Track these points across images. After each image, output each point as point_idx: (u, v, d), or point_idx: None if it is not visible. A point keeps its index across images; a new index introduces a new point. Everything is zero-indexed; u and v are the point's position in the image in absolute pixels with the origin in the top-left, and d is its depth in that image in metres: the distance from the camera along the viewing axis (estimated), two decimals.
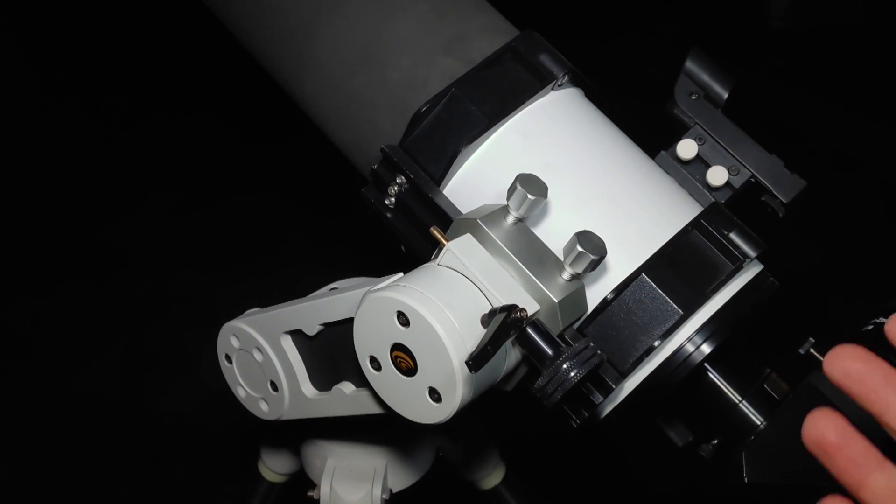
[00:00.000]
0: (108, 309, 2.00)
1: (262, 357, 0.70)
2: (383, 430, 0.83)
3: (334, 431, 0.83)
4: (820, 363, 0.68)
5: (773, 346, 0.71)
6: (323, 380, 0.68)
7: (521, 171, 0.57)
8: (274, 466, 0.98)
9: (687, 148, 0.67)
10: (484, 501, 1.02)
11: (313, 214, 2.11)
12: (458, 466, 0.98)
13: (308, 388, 0.69)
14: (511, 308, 0.51)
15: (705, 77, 0.70)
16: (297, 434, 0.87)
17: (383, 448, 0.83)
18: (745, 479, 0.59)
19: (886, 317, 0.69)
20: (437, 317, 0.51)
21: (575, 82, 0.69)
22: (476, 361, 0.47)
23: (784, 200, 0.68)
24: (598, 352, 0.53)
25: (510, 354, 0.56)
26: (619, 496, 1.55)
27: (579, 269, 0.55)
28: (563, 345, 0.53)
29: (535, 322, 0.54)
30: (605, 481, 1.52)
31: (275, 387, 0.70)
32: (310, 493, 0.83)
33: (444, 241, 0.56)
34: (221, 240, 2.15)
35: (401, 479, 0.85)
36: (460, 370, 0.51)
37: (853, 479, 0.43)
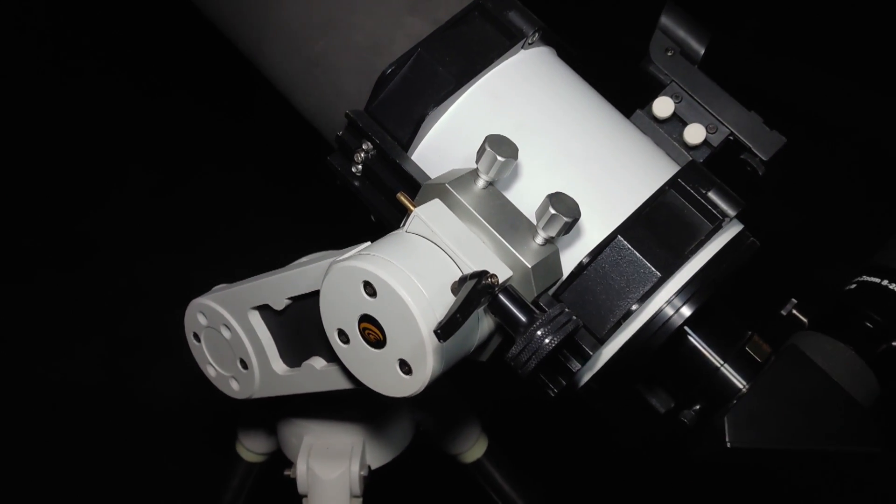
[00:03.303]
0: (85, 295, 1.97)
1: (230, 334, 0.67)
2: (360, 406, 0.81)
3: (310, 409, 0.81)
4: (803, 324, 0.67)
5: (756, 307, 0.69)
6: (293, 356, 0.66)
7: (491, 133, 0.55)
8: (251, 446, 0.97)
9: (663, 106, 0.65)
10: (468, 475, 1.01)
11: (290, 190, 2.08)
12: (440, 441, 0.97)
13: (278, 365, 0.66)
14: (481, 274, 0.49)
15: (681, 32, 0.68)
16: (273, 413, 0.85)
17: (360, 424, 0.81)
18: (728, 444, 0.58)
19: (870, 275, 0.68)
20: (405, 285, 0.49)
21: (546, 41, 0.66)
22: (445, 330, 0.45)
23: (764, 158, 0.66)
24: (574, 317, 0.51)
25: (483, 323, 0.54)
26: (603, 466, 1.54)
27: (553, 233, 0.53)
28: (538, 311, 0.51)
29: (507, 288, 0.52)
30: (589, 451, 1.51)
31: (245, 364, 0.68)
32: (286, 472, 0.81)
33: (411, 208, 0.54)
34: (198, 220, 2.11)
35: (379, 456, 0.83)
36: (430, 340, 0.49)
37: None
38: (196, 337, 0.71)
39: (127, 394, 1.79)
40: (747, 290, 0.69)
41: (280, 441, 0.86)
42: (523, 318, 0.51)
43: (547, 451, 1.50)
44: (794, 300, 0.67)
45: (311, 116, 0.68)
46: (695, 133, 0.64)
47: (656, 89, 0.68)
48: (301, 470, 0.79)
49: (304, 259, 0.74)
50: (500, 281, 0.52)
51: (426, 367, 0.50)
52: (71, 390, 1.80)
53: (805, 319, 0.67)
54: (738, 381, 0.61)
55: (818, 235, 1.95)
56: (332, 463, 0.79)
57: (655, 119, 0.66)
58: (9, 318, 1.93)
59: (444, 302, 0.50)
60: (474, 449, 0.98)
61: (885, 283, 0.66)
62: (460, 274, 0.51)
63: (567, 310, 0.51)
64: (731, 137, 0.66)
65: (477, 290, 0.48)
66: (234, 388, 0.71)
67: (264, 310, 0.65)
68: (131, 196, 2.21)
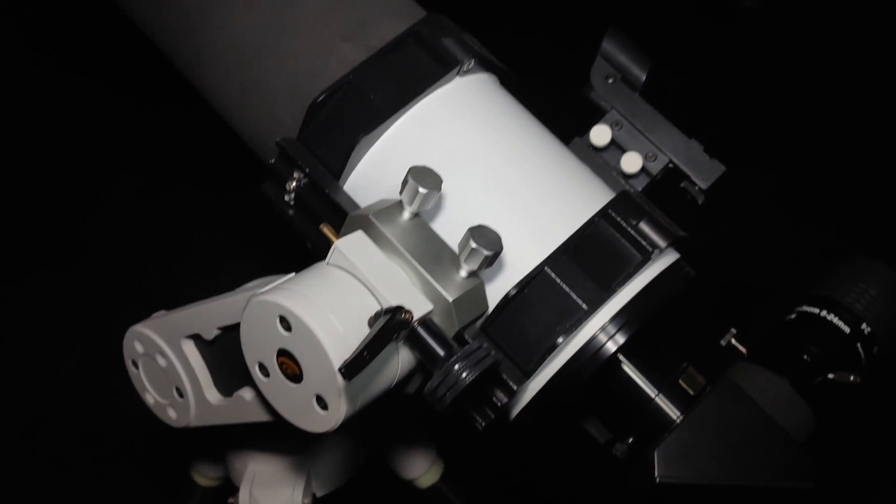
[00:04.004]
0: (70, 299, 1.95)
1: (165, 362, 0.67)
2: (304, 433, 0.80)
3: (255, 436, 0.80)
4: (742, 355, 0.67)
5: (695, 337, 0.68)
6: (227, 386, 0.65)
7: (420, 163, 0.54)
8: (205, 471, 0.96)
9: (600, 134, 0.65)
10: (423, 500, 1.00)
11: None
12: (395, 466, 0.96)
13: (212, 395, 0.66)
14: (395, 310, 0.48)
15: (622, 59, 0.67)
16: (219, 438, 0.84)
17: (305, 452, 0.80)
18: (657, 479, 0.57)
19: (810, 306, 0.68)
20: (318, 319, 0.48)
21: (487, 67, 0.66)
22: (349, 368, 0.45)
23: (703, 187, 0.65)
24: (492, 352, 0.50)
25: (402, 357, 0.53)
26: (561, 491, 1.52)
27: (474, 266, 0.52)
28: (457, 345, 0.50)
29: (426, 322, 0.51)
30: (547, 475, 1.50)
31: (180, 393, 0.67)
32: (230, 500, 0.81)
33: (332, 239, 0.53)
34: (184, 230, 2.09)
35: (326, 483, 0.82)
36: (341, 377, 0.48)
37: None
38: (134, 364, 0.70)
39: (111, 400, 1.77)
40: (687, 319, 0.68)
41: (227, 467, 0.85)
42: (441, 352, 0.50)
43: (505, 476, 1.49)
44: (733, 330, 0.67)
45: (248, 141, 0.68)
46: (631, 161, 0.64)
47: (598, 116, 0.67)
48: (244, 498, 0.78)
49: (249, 284, 0.73)
50: (419, 315, 0.51)
51: (340, 404, 0.49)
52: (55, 395, 1.78)
53: (744, 350, 0.66)
54: (672, 413, 0.60)
55: (762, 261, 1.96)
56: (275, 491, 0.78)
57: (593, 147, 0.65)
58: None
59: (361, 337, 0.49)
60: (429, 474, 0.97)
61: (823, 313, 0.65)
62: (378, 308, 0.51)
63: (486, 344, 0.51)
64: (671, 165, 0.66)
65: (389, 327, 0.47)
66: (172, 417, 0.70)
67: (198, 339, 0.64)
68: (120, 199, 2.18)
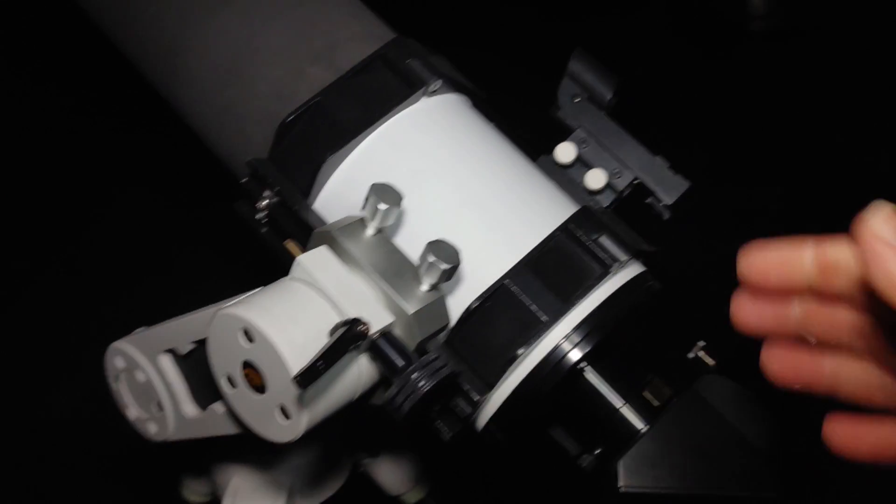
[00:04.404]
0: (50, 316, 1.97)
1: (144, 377, 0.68)
2: (285, 448, 0.81)
3: (237, 449, 0.82)
4: (710, 367, 0.67)
5: (664, 350, 0.69)
6: (203, 399, 0.67)
7: (386, 181, 0.56)
8: (194, 487, 0.97)
9: (565, 151, 0.66)
10: None
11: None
12: (381, 481, 0.97)
13: (189, 409, 0.67)
14: (353, 322, 0.50)
15: (588, 78, 0.69)
16: (204, 453, 0.85)
17: (288, 465, 0.82)
18: (621, 488, 0.58)
19: None
20: (277, 331, 0.50)
21: (455, 88, 0.68)
22: (304, 377, 0.46)
23: (668, 202, 0.67)
24: (448, 363, 0.52)
25: (365, 369, 0.54)
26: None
27: (434, 280, 0.54)
28: (415, 356, 0.52)
29: (386, 335, 0.53)
30: (527, 491, 1.50)
31: (159, 407, 0.69)
32: None
33: (294, 254, 0.55)
34: (163, 248, 2.11)
35: (309, 497, 0.83)
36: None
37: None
38: (116, 380, 0.72)
39: (112, 423, 1.79)
40: (658, 333, 0.69)
41: (213, 482, 0.86)
42: (400, 363, 0.51)
43: (491, 492, 1.50)
44: (701, 342, 0.68)
45: (224, 161, 0.70)
46: (596, 178, 0.65)
47: (565, 134, 0.69)
48: None
49: (224, 301, 0.75)
50: (379, 327, 0.52)
51: (300, 414, 0.51)
52: (59, 418, 1.80)
53: (712, 362, 0.67)
54: (637, 424, 0.61)
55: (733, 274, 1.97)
56: None
57: (559, 164, 0.67)
58: None
59: (320, 348, 0.51)
60: (416, 490, 0.98)
61: None
62: (338, 320, 0.52)
63: (443, 355, 0.52)
64: (637, 181, 0.67)
65: (345, 338, 0.49)
66: (153, 431, 0.71)
67: (174, 354, 0.66)
68: (101, 218, 2.21)
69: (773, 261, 0.40)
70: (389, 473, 0.96)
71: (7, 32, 2.67)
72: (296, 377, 0.46)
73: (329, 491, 0.85)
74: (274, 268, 0.69)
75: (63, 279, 2.06)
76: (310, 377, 0.46)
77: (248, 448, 0.80)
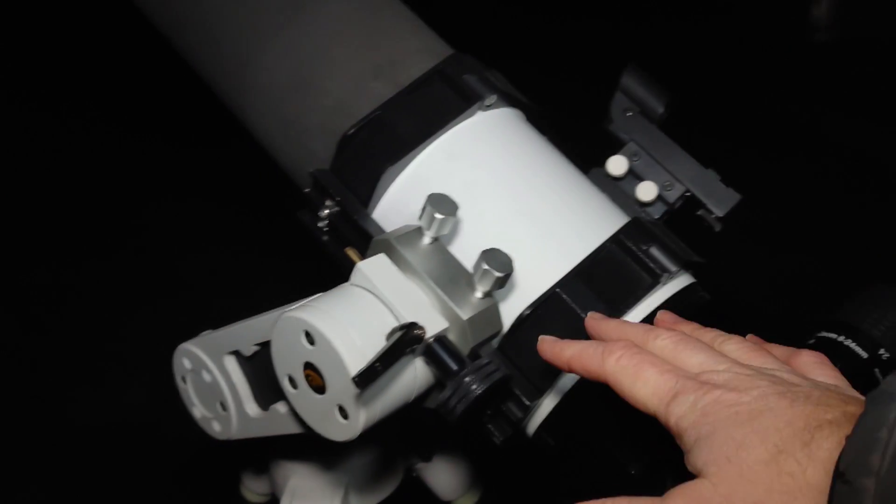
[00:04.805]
0: (108, 325, 2.04)
1: (210, 378, 0.72)
2: (343, 448, 0.84)
3: (296, 451, 0.85)
4: None
5: None
6: (265, 399, 0.70)
7: (443, 192, 0.58)
8: (253, 487, 1.00)
9: (617, 164, 0.67)
10: None
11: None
12: (433, 486, 0.99)
13: (252, 408, 0.70)
14: (409, 326, 0.52)
15: (641, 93, 0.70)
16: (264, 454, 0.88)
17: (344, 467, 0.84)
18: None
19: (828, 331, 0.69)
20: (338, 334, 0.53)
21: (510, 103, 0.70)
22: (362, 378, 0.48)
23: (719, 215, 0.67)
24: (501, 367, 0.54)
25: (420, 373, 0.56)
26: None
27: (487, 287, 0.56)
28: (470, 361, 0.54)
29: (441, 339, 0.55)
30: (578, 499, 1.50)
31: (224, 407, 0.72)
32: None
33: (355, 261, 0.57)
34: (228, 255, 2.18)
35: (363, 499, 0.86)
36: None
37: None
38: (183, 380, 0.76)
39: (157, 421, 1.84)
40: None
41: (272, 482, 0.89)
42: (454, 367, 0.53)
43: (543, 501, 1.50)
44: None
45: (288, 172, 0.73)
46: (646, 190, 0.66)
47: (617, 147, 0.70)
48: None
49: (287, 306, 0.78)
50: (435, 332, 0.55)
51: (358, 413, 0.53)
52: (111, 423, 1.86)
53: None
54: None
55: (786, 285, 1.95)
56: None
57: (611, 177, 0.68)
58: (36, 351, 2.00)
59: (378, 351, 0.53)
60: (468, 496, 1.00)
61: (841, 339, 0.66)
62: (396, 324, 0.55)
63: (495, 360, 0.54)
64: (688, 194, 0.68)
65: (402, 341, 0.51)
66: (217, 430, 0.75)
67: (239, 355, 0.69)
68: (174, 223, 2.28)
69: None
70: (442, 478, 0.98)
71: (72, 44, 2.80)
72: (354, 378, 0.49)
73: (383, 494, 0.87)
74: (333, 274, 0.72)
75: (123, 284, 2.14)
76: (368, 378, 0.49)
77: (306, 449, 0.83)
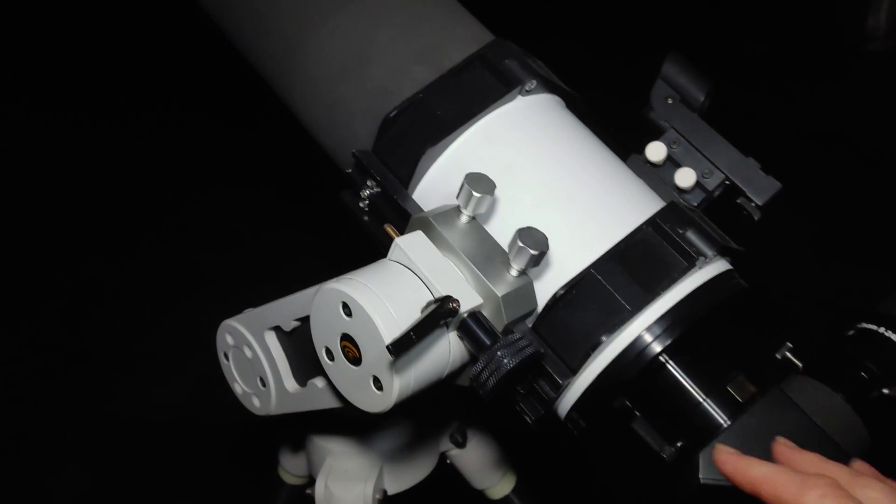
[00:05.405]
0: (153, 302, 2.09)
1: (251, 353, 0.73)
2: (378, 424, 0.85)
3: (333, 432, 0.86)
4: (797, 368, 0.67)
5: (750, 349, 0.69)
6: (303, 375, 0.71)
7: (472, 172, 0.59)
8: (290, 469, 1.02)
9: (655, 150, 0.68)
10: None
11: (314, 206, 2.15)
12: (466, 474, 0.99)
13: (290, 384, 0.72)
14: (444, 299, 0.53)
15: (682, 81, 0.71)
16: (301, 434, 0.90)
17: (380, 449, 0.85)
18: (701, 480, 0.59)
19: (869, 323, 0.68)
20: (374, 306, 0.54)
21: (550, 89, 0.70)
22: (396, 346, 0.49)
23: (759, 203, 0.67)
24: (533, 343, 0.54)
25: (454, 348, 0.57)
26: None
27: (522, 265, 0.56)
28: (502, 336, 0.55)
29: (476, 314, 0.56)
30: (616, 489, 1.49)
31: (263, 382, 0.74)
32: (308, 491, 0.86)
33: (393, 237, 0.59)
34: (268, 236, 2.21)
35: (397, 482, 0.87)
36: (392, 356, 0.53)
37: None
38: (225, 356, 0.78)
39: (199, 404, 1.88)
40: (743, 332, 0.70)
41: (308, 462, 0.91)
42: (487, 341, 0.54)
43: (578, 491, 1.49)
44: (788, 343, 0.68)
45: (331, 153, 0.75)
46: (685, 177, 0.67)
47: (657, 134, 0.71)
48: (319, 489, 0.83)
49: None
50: (469, 307, 0.55)
51: (393, 384, 0.54)
52: (157, 418, 1.91)
53: (800, 364, 0.67)
54: (719, 418, 0.62)
55: (825, 274, 1.92)
56: (349, 484, 0.83)
57: (650, 163, 0.68)
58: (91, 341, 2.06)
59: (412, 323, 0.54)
60: (501, 485, 1.00)
61: (882, 330, 0.65)
62: (431, 298, 0.56)
63: (528, 336, 0.55)
64: (728, 182, 0.68)
65: (437, 313, 0.52)
66: (256, 405, 0.77)
67: (279, 331, 0.71)
68: (211, 207, 2.33)
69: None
70: (476, 466, 0.98)
71: (119, 32, 2.87)
72: (389, 346, 0.50)
73: (417, 477, 0.88)
74: (367, 253, 0.73)
75: (163, 278, 2.20)
76: (402, 347, 0.50)
77: (342, 427, 0.84)
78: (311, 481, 1.01)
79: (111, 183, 2.45)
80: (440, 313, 0.52)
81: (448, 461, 0.96)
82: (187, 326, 2.03)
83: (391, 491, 0.86)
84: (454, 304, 0.53)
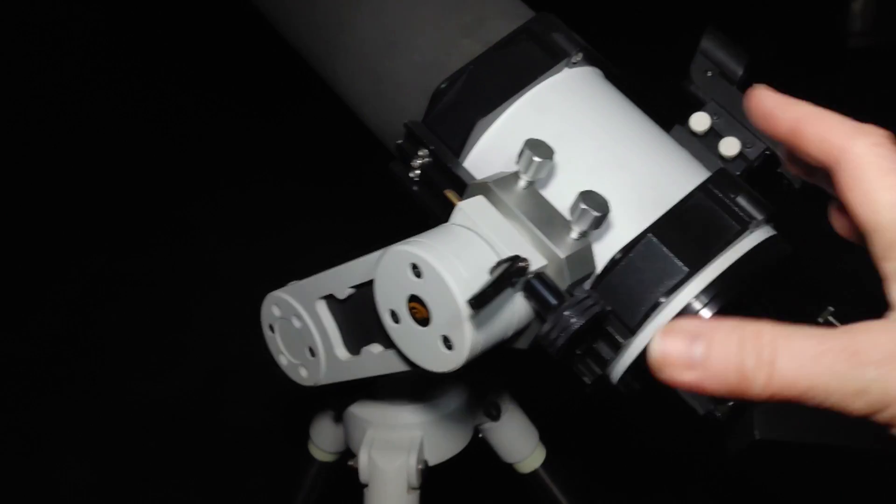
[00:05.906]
0: (185, 278, 2.10)
1: (300, 324, 0.75)
2: (419, 402, 0.86)
3: (373, 404, 0.87)
4: None
5: (793, 314, 0.71)
6: (355, 343, 0.73)
7: (530, 138, 0.61)
8: (322, 445, 1.03)
9: (699, 120, 0.70)
10: (525, 486, 1.04)
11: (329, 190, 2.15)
12: (497, 447, 1.01)
13: (342, 352, 0.73)
14: (515, 258, 0.55)
15: (720, 55, 0.72)
16: (339, 406, 0.91)
17: (419, 422, 0.87)
18: (756, 436, 0.60)
19: None
20: (446, 265, 0.55)
21: (592, 62, 0.72)
22: (477, 300, 0.51)
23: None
24: (600, 302, 0.56)
25: (518, 308, 0.59)
26: (664, 482, 1.53)
27: (584, 227, 0.58)
28: (568, 296, 0.56)
29: (541, 275, 0.57)
30: (649, 467, 1.51)
31: (312, 352, 0.75)
32: (350, 463, 0.88)
33: (455, 202, 0.60)
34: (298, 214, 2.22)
35: (437, 453, 0.88)
36: (466, 315, 0.54)
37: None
38: (271, 328, 0.79)
39: (215, 415, 1.89)
40: (786, 297, 0.72)
41: (346, 435, 0.92)
42: (553, 301, 0.56)
43: (607, 465, 1.52)
44: (830, 308, 0.70)
45: (376, 129, 0.76)
46: (729, 145, 0.68)
47: (697, 107, 0.72)
48: (363, 459, 0.85)
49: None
50: (535, 268, 0.57)
51: (464, 341, 0.56)
52: (164, 409, 1.91)
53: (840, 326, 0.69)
54: None
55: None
56: (391, 455, 0.85)
57: (693, 133, 0.70)
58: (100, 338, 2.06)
59: (482, 282, 0.56)
60: (531, 459, 1.02)
61: None
62: (497, 259, 0.57)
63: (594, 295, 0.56)
64: (768, 152, 0.70)
65: (509, 271, 0.54)
66: (303, 376, 0.78)
67: (330, 300, 0.72)
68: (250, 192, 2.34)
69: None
70: (508, 440, 1.00)
71: (138, 22, 2.86)
72: (470, 300, 0.51)
73: (454, 450, 0.90)
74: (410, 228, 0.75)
75: (178, 272, 2.20)
76: (481, 301, 0.51)
77: (384, 402, 0.85)
78: (343, 457, 1.02)
79: (127, 175, 2.45)
80: (513, 271, 0.54)
81: (480, 435, 0.98)
82: (200, 321, 2.04)
83: (431, 462, 0.87)
84: (524, 263, 0.55)
